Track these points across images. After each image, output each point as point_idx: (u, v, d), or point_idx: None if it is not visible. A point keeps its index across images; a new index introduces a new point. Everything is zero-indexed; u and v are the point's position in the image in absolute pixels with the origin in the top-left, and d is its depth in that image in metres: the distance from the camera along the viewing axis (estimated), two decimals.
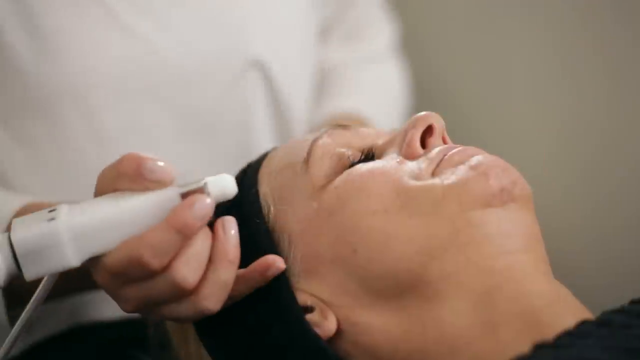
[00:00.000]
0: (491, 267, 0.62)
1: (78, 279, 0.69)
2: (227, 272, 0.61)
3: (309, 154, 0.69)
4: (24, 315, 0.64)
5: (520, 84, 1.20)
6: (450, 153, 0.66)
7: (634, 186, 1.08)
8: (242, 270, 0.64)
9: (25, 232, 0.60)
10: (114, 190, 0.61)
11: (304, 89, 1.06)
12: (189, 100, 0.94)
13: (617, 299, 0.66)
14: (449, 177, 0.64)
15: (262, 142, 1.00)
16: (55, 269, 0.60)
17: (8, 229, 0.62)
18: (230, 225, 0.62)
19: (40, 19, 0.86)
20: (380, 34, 1.18)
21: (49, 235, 0.59)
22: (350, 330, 0.65)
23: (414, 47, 1.25)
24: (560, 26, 1.14)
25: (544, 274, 0.63)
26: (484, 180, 0.63)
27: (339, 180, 0.67)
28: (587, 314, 0.62)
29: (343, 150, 0.69)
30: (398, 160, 0.67)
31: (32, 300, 0.63)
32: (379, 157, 0.69)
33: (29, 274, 0.60)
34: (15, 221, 0.61)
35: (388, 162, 0.67)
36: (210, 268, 0.61)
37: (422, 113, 0.69)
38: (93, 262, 0.61)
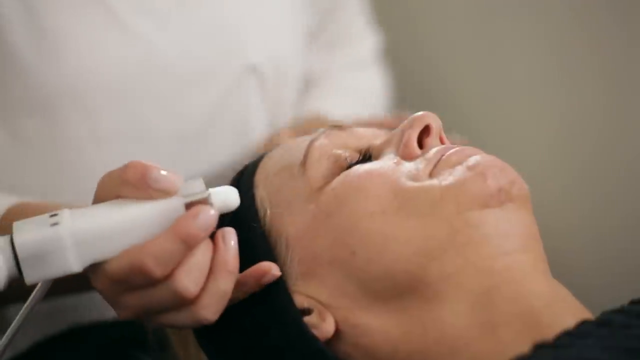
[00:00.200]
0: (490, 268, 0.62)
1: (76, 282, 0.69)
2: (226, 283, 0.62)
3: (305, 156, 0.69)
4: (19, 317, 0.64)
5: (518, 84, 1.20)
6: (447, 153, 0.66)
7: (631, 186, 1.09)
8: (238, 276, 0.64)
9: (28, 236, 0.60)
10: (117, 197, 0.61)
11: (295, 92, 1.07)
12: (187, 102, 0.94)
13: (615, 299, 0.66)
14: (447, 178, 0.64)
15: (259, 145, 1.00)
16: (56, 274, 0.60)
17: (9, 231, 0.61)
18: (230, 237, 0.62)
19: (42, 18, 0.86)
20: (363, 41, 1.18)
21: (52, 240, 0.59)
22: (350, 331, 0.65)
23: (413, 48, 1.25)
24: (557, 27, 1.14)
25: (543, 274, 0.63)
26: (481, 180, 0.63)
27: (336, 181, 0.67)
28: (586, 314, 0.62)
29: (340, 151, 0.69)
30: (395, 160, 0.67)
31: (27, 303, 0.63)
32: (376, 158, 0.69)
33: (30, 278, 0.60)
34: (17, 224, 0.61)
35: (385, 163, 0.67)
36: (210, 278, 0.61)
37: (419, 113, 0.69)
38: (94, 269, 0.61)
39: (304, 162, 0.69)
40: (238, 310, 0.67)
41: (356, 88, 1.15)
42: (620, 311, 0.61)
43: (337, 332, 0.65)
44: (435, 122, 0.69)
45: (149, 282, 0.60)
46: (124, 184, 0.61)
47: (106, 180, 0.62)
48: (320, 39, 1.15)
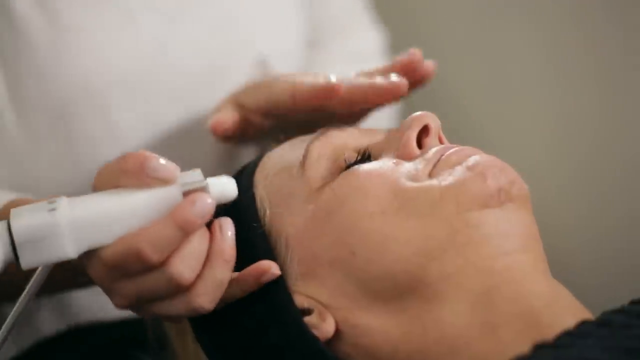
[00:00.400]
0: (490, 268, 0.62)
1: (74, 275, 0.69)
2: (222, 271, 0.62)
3: (304, 156, 0.69)
4: (16, 307, 0.64)
5: (516, 84, 1.20)
6: (447, 153, 0.66)
7: (630, 185, 1.09)
8: (237, 274, 0.64)
9: (25, 221, 0.60)
10: (115, 187, 0.62)
11: None
12: (200, 98, 0.94)
13: (615, 299, 0.66)
14: (446, 178, 0.64)
15: None
16: (52, 259, 0.60)
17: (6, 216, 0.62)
18: (227, 227, 0.62)
19: (58, 16, 0.87)
20: (365, 34, 1.18)
21: (49, 225, 0.59)
22: (350, 332, 0.65)
23: (411, 47, 1.25)
24: (554, 27, 1.14)
25: (543, 274, 0.63)
26: (481, 180, 0.63)
27: (335, 182, 0.67)
28: (586, 314, 0.62)
29: (339, 151, 0.69)
30: (394, 161, 0.67)
31: (24, 293, 0.63)
32: (376, 158, 0.69)
33: (26, 263, 0.60)
34: (14, 210, 0.61)
35: (385, 163, 0.67)
36: (206, 266, 0.62)
37: (418, 113, 0.69)
38: (89, 255, 0.61)
39: (303, 163, 0.69)
40: (238, 309, 0.67)
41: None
42: (621, 311, 0.61)
43: (337, 332, 0.65)
44: (434, 122, 0.69)
45: (144, 267, 0.60)
46: (122, 174, 0.61)
47: (105, 170, 0.63)
48: (320, 32, 1.15)
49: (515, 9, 1.17)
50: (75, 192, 0.84)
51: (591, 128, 1.12)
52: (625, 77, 1.08)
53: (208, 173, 0.65)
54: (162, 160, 0.61)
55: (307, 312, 0.65)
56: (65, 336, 0.94)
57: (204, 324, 0.70)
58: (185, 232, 0.59)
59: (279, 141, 0.76)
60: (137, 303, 0.63)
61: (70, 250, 0.60)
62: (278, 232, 0.67)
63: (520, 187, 0.64)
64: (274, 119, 0.82)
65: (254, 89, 0.82)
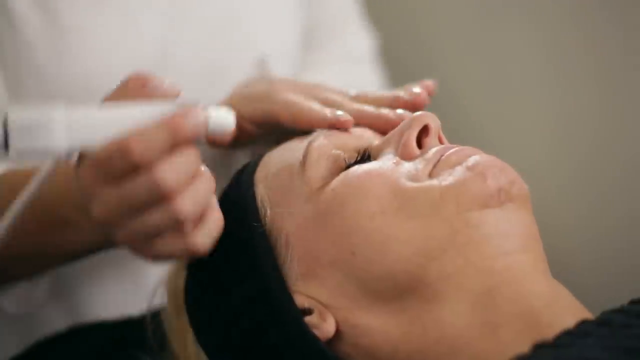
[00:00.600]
0: (490, 268, 0.62)
1: (81, 240, 0.70)
2: (205, 186, 0.62)
3: (304, 156, 0.69)
4: (12, 210, 0.64)
5: (515, 84, 1.20)
6: (447, 154, 0.66)
7: (629, 184, 1.09)
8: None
9: (22, 112, 0.60)
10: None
11: None
12: (201, 98, 0.94)
13: (614, 298, 0.66)
14: (447, 178, 0.64)
15: None
16: (43, 150, 0.60)
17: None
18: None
19: (59, 16, 0.86)
20: (355, 37, 1.18)
21: (44, 117, 0.60)
22: (350, 332, 0.65)
23: (410, 47, 1.25)
24: (554, 27, 1.14)
25: (543, 274, 0.64)
26: (481, 180, 0.63)
27: (335, 182, 0.66)
28: (586, 314, 0.62)
29: (339, 151, 0.69)
30: (394, 161, 0.67)
31: (21, 199, 0.63)
32: (375, 158, 0.69)
33: (15, 149, 0.60)
34: (13, 106, 0.62)
35: (385, 163, 0.67)
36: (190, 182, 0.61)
37: (418, 113, 0.69)
38: (80, 157, 0.62)
39: (303, 163, 0.69)
40: (238, 309, 0.67)
41: (346, 78, 1.14)
42: (620, 311, 0.62)
43: (338, 332, 0.65)
44: (433, 122, 0.69)
45: (130, 167, 0.59)
46: (125, 94, 0.62)
47: (109, 95, 0.64)
48: (313, 34, 1.15)
49: (515, 9, 1.17)
50: None
51: (591, 128, 1.12)
52: (625, 77, 1.08)
53: None
54: (164, 80, 0.62)
55: (308, 312, 0.65)
56: (65, 336, 0.93)
57: (205, 325, 0.71)
58: (174, 140, 0.59)
59: (271, 146, 0.76)
60: (119, 215, 0.61)
61: (62, 143, 0.60)
62: (278, 231, 0.67)
63: (520, 187, 0.64)
64: (268, 128, 0.81)
65: (252, 99, 0.80)
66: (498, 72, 1.21)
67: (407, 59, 1.24)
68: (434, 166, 0.65)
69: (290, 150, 0.72)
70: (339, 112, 0.74)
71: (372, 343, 0.64)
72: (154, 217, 0.60)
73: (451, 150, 0.66)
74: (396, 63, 1.23)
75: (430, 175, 0.65)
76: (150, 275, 0.93)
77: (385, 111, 0.74)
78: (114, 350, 0.91)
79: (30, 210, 0.66)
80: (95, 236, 0.73)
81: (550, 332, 0.58)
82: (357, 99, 0.77)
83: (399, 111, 0.74)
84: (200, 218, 0.62)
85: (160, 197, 0.59)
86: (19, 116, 0.60)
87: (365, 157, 0.69)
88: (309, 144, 0.70)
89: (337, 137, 0.71)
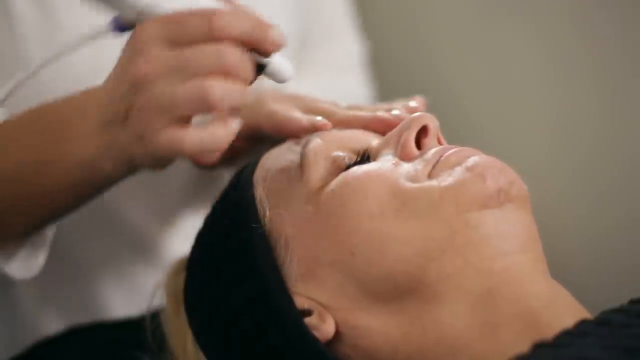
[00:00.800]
0: (489, 268, 0.62)
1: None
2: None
3: (303, 157, 0.69)
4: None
5: (514, 85, 1.20)
6: (446, 154, 0.66)
7: (628, 184, 1.09)
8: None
9: None
10: None
11: None
12: None
13: (613, 298, 0.66)
14: (446, 179, 0.64)
15: None
16: None
17: None
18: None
19: (55, 14, 0.86)
20: (344, 44, 1.17)
21: None
22: (349, 333, 0.65)
23: (409, 47, 1.26)
24: (553, 27, 1.14)
25: (542, 274, 0.64)
26: (480, 181, 0.63)
27: (334, 182, 0.67)
28: (585, 314, 0.62)
29: (338, 152, 0.69)
30: (394, 161, 0.67)
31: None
32: (374, 159, 0.69)
33: None
34: None
35: (384, 164, 0.67)
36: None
37: (416, 114, 0.69)
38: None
39: (302, 164, 0.69)
40: (237, 310, 0.67)
41: (331, 87, 1.14)
42: (620, 310, 0.62)
43: (337, 333, 0.65)
44: (432, 122, 0.69)
45: (203, 34, 0.59)
46: None
47: None
48: (308, 36, 1.15)
49: (514, 10, 1.17)
50: None
51: (590, 128, 1.12)
52: (625, 78, 1.08)
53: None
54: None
55: (307, 313, 0.65)
56: (65, 336, 0.94)
57: (204, 326, 0.71)
58: (254, 36, 0.60)
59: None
60: (161, 74, 0.60)
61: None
62: (278, 232, 0.67)
63: (520, 188, 0.64)
64: (255, 141, 0.81)
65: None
66: (497, 72, 1.21)
67: (406, 59, 1.24)
68: (433, 167, 0.65)
69: (289, 151, 0.72)
70: (318, 118, 0.74)
71: (371, 344, 0.64)
72: (198, 88, 0.59)
73: (450, 151, 0.66)
74: (396, 63, 1.24)
75: (430, 176, 0.65)
76: (149, 276, 0.93)
77: (381, 113, 0.75)
78: (113, 351, 0.91)
79: (28, 117, 0.68)
80: (95, 146, 0.68)
81: (549, 332, 0.58)
82: (351, 108, 0.78)
83: (395, 112, 0.75)
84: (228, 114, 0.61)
85: (219, 69, 0.59)
86: None
87: (364, 158, 0.69)
88: (308, 144, 0.70)
89: (336, 138, 0.71)
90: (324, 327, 0.64)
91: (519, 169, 0.66)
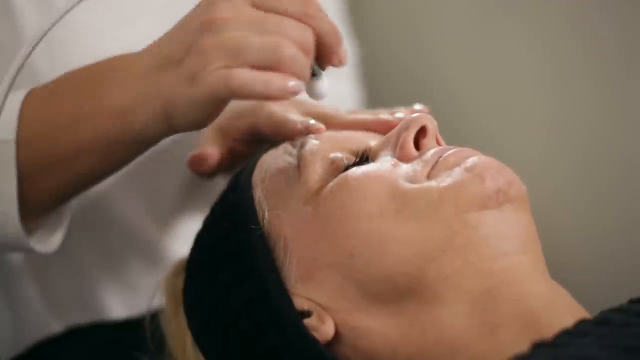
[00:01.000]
0: (489, 269, 0.62)
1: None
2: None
3: (300, 158, 0.69)
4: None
5: (513, 85, 1.20)
6: (445, 155, 0.66)
7: (627, 185, 1.09)
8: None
9: None
10: None
11: None
12: None
13: (613, 297, 0.66)
14: (445, 180, 0.64)
15: None
16: None
17: None
18: None
19: (56, 8, 0.85)
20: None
21: None
22: (349, 334, 0.65)
23: (409, 49, 1.25)
24: (551, 27, 1.14)
25: (541, 275, 0.64)
26: (479, 181, 0.63)
27: (333, 183, 0.66)
28: (584, 314, 0.62)
29: (337, 153, 0.69)
30: (392, 162, 0.67)
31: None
32: (373, 160, 0.69)
33: None
34: None
35: (382, 165, 0.67)
36: None
37: (415, 114, 0.69)
38: None
39: (300, 165, 0.69)
40: (236, 311, 0.67)
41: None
42: (619, 310, 0.62)
43: (337, 334, 0.65)
44: (431, 123, 0.69)
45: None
46: None
47: None
48: None
49: (512, 10, 1.17)
50: None
51: (589, 128, 1.12)
52: (623, 77, 1.08)
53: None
54: None
55: (307, 314, 0.65)
56: (65, 336, 0.93)
57: (204, 327, 0.71)
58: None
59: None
60: (239, 25, 0.61)
61: None
62: (277, 234, 0.67)
63: (519, 188, 0.64)
64: (257, 144, 0.81)
65: (240, 114, 0.81)
66: (495, 72, 1.21)
67: (404, 59, 1.24)
68: (432, 167, 0.65)
69: (287, 153, 0.72)
70: (312, 121, 0.74)
71: (371, 345, 0.64)
72: (274, 42, 0.60)
73: (449, 152, 0.66)
74: (395, 63, 1.23)
75: (429, 177, 0.65)
76: (149, 277, 0.93)
77: (383, 115, 0.75)
78: (113, 352, 0.91)
79: (65, 76, 0.69)
80: (133, 93, 0.67)
81: (549, 332, 0.58)
82: (353, 113, 0.78)
83: (398, 114, 0.75)
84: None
85: (303, 9, 0.61)
86: None
87: (363, 158, 0.69)
88: (303, 146, 0.70)
89: (334, 139, 0.71)
90: (323, 328, 0.64)
91: (517, 169, 0.66)
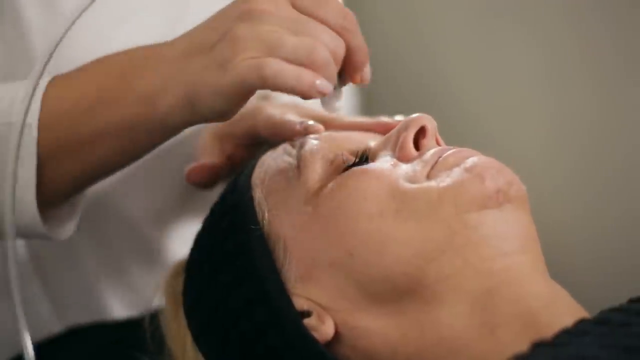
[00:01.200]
0: (489, 269, 0.62)
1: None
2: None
3: (300, 158, 0.69)
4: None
5: (512, 85, 1.20)
6: (445, 155, 0.66)
7: (627, 184, 1.09)
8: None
9: None
10: None
11: None
12: None
13: (613, 297, 0.66)
14: (444, 180, 0.64)
15: None
16: None
17: None
18: None
19: (59, 3, 0.85)
20: None
21: None
22: (349, 334, 0.65)
23: (408, 48, 1.25)
24: (550, 27, 1.14)
25: (541, 275, 0.64)
26: (479, 181, 0.63)
27: (333, 184, 0.66)
28: (584, 314, 0.62)
29: (336, 153, 0.69)
30: (392, 162, 0.67)
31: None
32: (373, 160, 0.69)
33: None
34: None
35: (382, 165, 0.67)
36: None
37: (414, 115, 0.69)
38: None
39: (298, 165, 0.69)
40: (236, 312, 0.67)
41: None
42: (619, 310, 0.62)
43: (336, 334, 0.65)
44: (430, 123, 0.69)
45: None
46: None
47: None
48: None
49: (512, 11, 1.17)
50: None
51: (588, 128, 1.12)
52: (622, 77, 1.08)
53: None
54: None
55: (307, 314, 0.65)
56: (65, 336, 0.93)
57: (203, 327, 0.71)
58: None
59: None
60: (277, 20, 0.62)
61: None
62: (277, 234, 0.67)
63: (518, 188, 0.64)
64: (256, 148, 0.81)
65: (239, 118, 0.82)
66: (495, 73, 1.21)
67: (405, 59, 1.24)
68: (432, 168, 0.65)
69: (287, 153, 0.72)
70: (310, 122, 0.75)
71: (371, 345, 0.64)
72: (309, 42, 0.61)
73: (449, 152, 0.66)
74: (395, 63, 1.23)
75: (428, 177, 0.65)
76: (149, 277, 0.93)
77: (383, 118, 0.75)
78: (113, 352, 0.91)
79: (97, 61, 0.69)
80: (160, 77, 0.67)
81: (548, 332, 0.58)
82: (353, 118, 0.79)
83: (398, 117, 0.75)
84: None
85: (341, 21, 0.62)
86: None
87: (363, 159, 0.69)
88: (302, 146, 0.70)
89: (333, 139, 0.71)
90: (323, 328, 0.64)
91: (517, 169, 0.66)
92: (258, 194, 0.70)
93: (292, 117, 0.76)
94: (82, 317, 0.94)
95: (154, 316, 0.79)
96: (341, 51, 0.63)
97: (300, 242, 0.66)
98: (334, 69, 0.62)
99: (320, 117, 0.77)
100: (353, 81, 0.66)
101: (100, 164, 0.71)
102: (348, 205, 0.65)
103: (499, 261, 0.62)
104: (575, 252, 1.13)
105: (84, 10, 0.64)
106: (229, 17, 0.63)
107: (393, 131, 0.70)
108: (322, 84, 0.61)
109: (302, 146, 0.70)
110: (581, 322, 0.59)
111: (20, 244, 0.90)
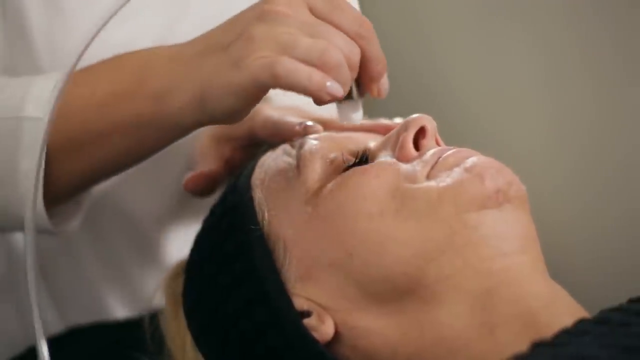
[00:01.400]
0: (488, 269, 0.62)
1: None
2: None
3: (299, 158, 0.69)
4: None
5: (512, 85, 1.20)
6: (444, 155, 0.66)
7: (626, 184, 1.09)
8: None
9: None
10: None
11: None
12: None
13: (612, 297, 0.66)
14: (444, 180, 0.64)
15: None
16: None
17: None
18: None
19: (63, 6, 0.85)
20: None
21: None
22: (349, 334, 0.65)
23: (408, 49, 1.25)
24: (549, 27, 1.14)
25: (541, 275, 0.64)
26: (479, 181, 0.63)
27: (333, 184, 0.67)
28: (583, 314, 0.62)
29: (336, 153, 0.69)
30: (392, 162, 0.67)
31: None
32: (372, 160, 0.69)
33: None
34: None
35: (382, 165, 0.67)
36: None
37: (414, 115, 0.69)
38: None
39: (298, 165, 0.69)
40: (236, 312, 0.67)
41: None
42: (619, 309, 0.62)
43: (336, 334, 0.65)
44: (430, 123, 0.69)
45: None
46: None
47: None
48: None
49: (512, 11, 1.17)
50: None
51: (588, 128, 1.12)
52: (621, 77, 1.08)
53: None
54: None
55: (306, 314, 0.65)
56: (65, 336, 0.94)
57: (203, 328, 0.71)
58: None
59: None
60: (293, 22, 0.62)
61: None
62: (276, 234, 0.67)
63: (518, 188, 0.65)
64: (254, 150, 0.82)
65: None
66: (495, 73, 1.21)
67: (405, 59, 1.24)
68: (432, 168, 0.65)
69: (287, 153, 0.72)
70: (309, 123, 0.75)
71: (370, 345, 0.64)
72: (322, 44, 0.61)
73: (449, 152, 0.66)
74: (395, 64, 1.23)
75: (428, 177, 0.65)
76: (149, 278, 0.93)
77: (383, 120, 0.75)
78: (113, 352, 0.91)
79: (112, 58, 0.69)
80: (174, 74, 0.67)
81: (548, 332, 0.58)
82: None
83: (397, 119, 0.75)
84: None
85: (357, 28, 0.63)
86: None
87: (362, 159, 0.69)
88: (302, 146, 0.70)
89: (333, 139, 0.71)
90: (323, 328, 0.64)
91: (517, 169, 0.66)
92: (258, 194, 0.70)
93: (291, 118, 0.76)
94: (82, 317, 0.94)
95: (154, 317, 0.79)
96: (356, 57, 0.63)
97: (300, 242, 0.66)
98: (346, 73, 0.62)
99: (319, 118, 0.77)
100: (370, 92, 0.66)
101: (107, 162, 0.71)
102: (348, 205, 0.65)
103: (499, 261, 0.62)
104: (575, 252, 1.13)
105: (120, 7, 0.64)
106: (247, 18, 0.63)
107: (393, 131, 0.70)
108: (333, 86, 0.61)
109: (301, 146, 0.70)
110: (581, 322, 0.59)
111: (20, 244, 0.90)
